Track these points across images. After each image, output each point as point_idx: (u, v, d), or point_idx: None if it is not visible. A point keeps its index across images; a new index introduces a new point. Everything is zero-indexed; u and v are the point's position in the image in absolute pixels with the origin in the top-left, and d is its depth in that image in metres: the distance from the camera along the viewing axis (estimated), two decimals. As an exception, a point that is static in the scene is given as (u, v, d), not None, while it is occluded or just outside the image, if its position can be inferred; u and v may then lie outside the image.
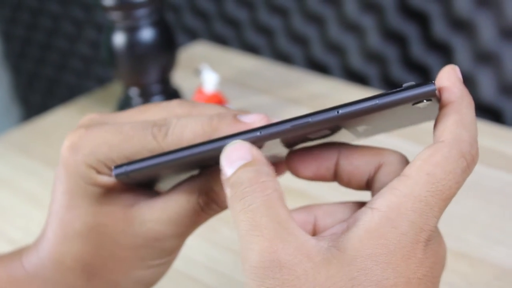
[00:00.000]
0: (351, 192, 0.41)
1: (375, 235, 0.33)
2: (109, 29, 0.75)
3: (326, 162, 0.40)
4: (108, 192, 0.40)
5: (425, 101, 0.34)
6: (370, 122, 0.37)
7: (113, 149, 0.39)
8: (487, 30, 0.87)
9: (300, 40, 1.09)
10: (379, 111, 0.34)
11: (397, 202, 0.33)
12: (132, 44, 0.74)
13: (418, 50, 0.95)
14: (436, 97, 0.34)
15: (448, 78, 0.36)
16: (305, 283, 0.32)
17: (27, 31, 1.63)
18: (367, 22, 1.00)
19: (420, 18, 0.94)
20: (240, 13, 1.16)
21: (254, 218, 0.33)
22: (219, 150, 0.36)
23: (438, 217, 0.34)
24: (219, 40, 1.19)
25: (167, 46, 0.76)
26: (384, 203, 0.33)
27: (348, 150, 0.39)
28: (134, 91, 0.77)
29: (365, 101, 0.34)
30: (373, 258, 0.32)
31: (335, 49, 1.05)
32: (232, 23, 1.17)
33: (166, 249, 0.41)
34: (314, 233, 0.39)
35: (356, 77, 1.03)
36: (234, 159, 0.35)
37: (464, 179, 0.34)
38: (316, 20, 1.06)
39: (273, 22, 1.11)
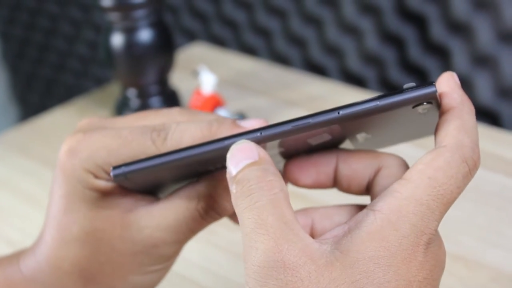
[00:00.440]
0: (349, 195, 0.41)
1: (376, 238, 0.33)
2: (107, 30, 0.75)
3: (325, 168, 0.40)
4: (106, 197, 0.40)
5: (425, 103, 0.34)
6: (370, 128, 0.37)
7: (112, 153, 0.39)
8: (484, 33, 0.88)
9: (298, 42, 1.09)
10: (380, 113, 0.34)
11: (398, 205, 0.33)
12: (130, 45, 0.74)
13: (415, 53, 0.95)
14: (436, 101, 0.34)
15: (448, 84, 0.36)
16: (308, 285, 0.32)
17: (25, 31, 1.63)
18: (365, 24, 1.00)
19: (418, 21, 0.94)
20: (238, 15, 1.16)
21: (260, 216, 0.33)
22: (218, 151, 0.36)
23: (438, 221, 0.34)
24: (217, 41, 1.19)
25: (165, 47, 0.76)
26: (385, 206, 0.33)
27: (346, 155, 0.39)
28: (132, 92, 0.77)
29: (366, 102, 0.34)
30: (375, 261, 0.32)
31: (333, 51, 1.05)
32: (230, 24, 1.18)
33: (163, 255, 0.41)
34: (312, 236, 0.39)
35: (354, 79, 1.04)
36: (240, 158, 0.35)
37: (465, 184, 0.34)
38: (314, 22, 1.06)
39: (271, 23, 1.12)
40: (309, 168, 0.40)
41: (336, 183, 0.40)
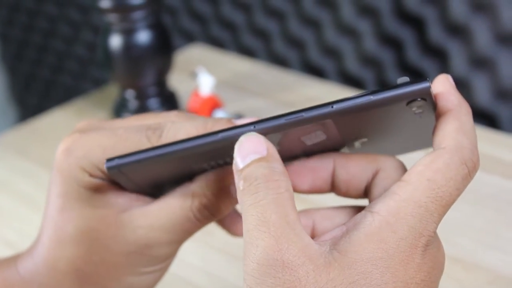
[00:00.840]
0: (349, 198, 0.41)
1: (375, 239, 0.33)
2: (106, 31, 0.75)
3: (322, 173, 0.39)
4: (101, 196, 0.40)
5: (419, 99, 0.34)
6: (367, 133, 0.37)
7: (107, 151, 0.39)
8: (482, 35, 0.88)
9: (296, 43, 1.09)
10: (374, 108, 0.34)
11: (396, 206, 0.33)
12: (129, 46, 0.74)
13: (413, 55, 0.96)
14: (430, 98, 0.34)
15: (444, 86, 0.36)
16: (306, 285, 0.32)
17: (23, 33, 1.63)
18: (363, 26, 1.00)
19: (416, 23, 0.94)
20: (236, 16, 1.16)
21: (263, 214, 0.33)
22: (213, 145, 0.36)
23: (437, 223, 0.34)
24: (216, 43, 1.19)
25: (164, 48, 0.76)
26: (384, 207, 0.33)
27: (343, 159, 0.39)
28: (130, 94, 0.78)
29: (359, 97, 0.34)
30: (372, 262, 0.32)
31: (331, 53, 1.05)
32: (229, 26, 1.18)
33: (158, 256, 0.41)
34: (312, 237, 0.39)
35: (352, 81, 1.04)
36: (248, 151, 0.35)
37: (464, 186, 0.34)
38: (312, 23, 1.06)
39: (270, 25, 1.12)
40: (306, 174, 0.40)
41: (333, 188, 0.40)
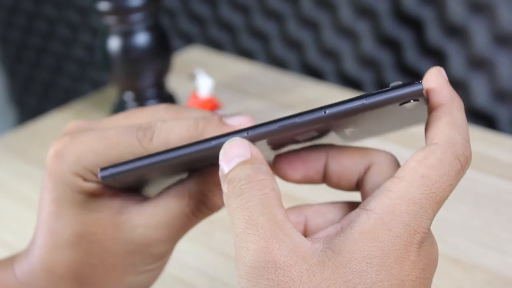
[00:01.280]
0: (340, 193, 0.41)
1: (369, 237, 0.33)
2: (104, 33, 0.75)
3: (314, 164, 0.39)
4: (96, 199, 0.40)
5: (412, 101, 0.34)
6: (358, 124, 0.37)
7: (99, 156, 0.39)
8: (480, 36, 0.88)
9: (295, 45, 1.09)
10: (366, 111, 0.34)
11: (391, 204, 0.33)
12: (127, 48, 0.74)
13: (412, 56, 0.96)
14: (423, 97, 0.34)
15: (436, 80, 0.36)
16: (300, 285, 0.31)
17: (22, 35, 1.63)
18: (362, 27, 1.00)
19: (414, 24, 0.94)
20: (235, 18, 1.16)
21: (251, 217, 0.33)
22: (206, 152, 0.36)
23: (431, 219, 0.34)
24: (214, 44, 1.20)
25: (162, 50, 0.76)
26: (378, 205, 0.33)
27: (336, 151, 0.39)
28: (129, 95, 0.78)
29: (352, 101, 0.34)
30: (367, 261, 0.32)
31: (330, 54, 1.05)
32: (227, 27, 1.18)
33: (157, 254, 0.41)
34: (305, 233, 0.39)
35: (350, 82, 1.04)
36: (232, 156, 0.35)
37: (457, 181, 0.34)
38: (311, 25, 1.06)
39: (268, 27, 1.12)
40: (298, 164, 0.40)
41: (325, 179, 0.40)
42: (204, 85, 0.80)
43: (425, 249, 0.34)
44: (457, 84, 0.89)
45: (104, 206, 0.40)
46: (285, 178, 0.40)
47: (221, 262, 0.61)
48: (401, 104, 0.34)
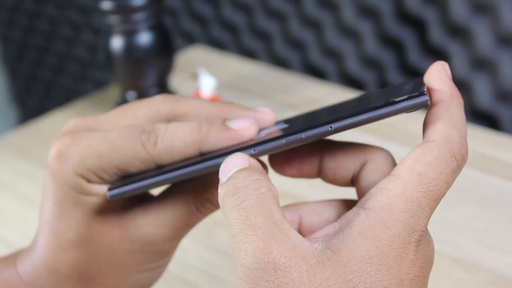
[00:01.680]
0: (336, 190, 0.41)
1: (368, 237, 0.32)
2: (107, 33, 0.75)
3: (310, 159, 0.39)
4: (100, 200, 0.40)
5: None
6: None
7: (103, 158, 0.39)
8: (483, 37, 0.88)
9: (297, 45, 1.09)
10: (372, 122, 0.35)
11: (389, 202, 0.33)
12: (130, 48, 0.74)
13: (414, 56, 0.96)
14: (427, 105, 0.35)
15: (439, 76, 0.36)
16: (300, 286, 0.31)
17: (24, 34, 1.63)
18: (364, 27, 1.00)
19: (416, 24, 0.94)
20: (237, 18, 1.16)
21: (247, 217, 0.32)
22: (214, 168, 0.37)
23: (428, 217, 0.33)
24: (217, 44, 1.20)
25: (165, 50, 0.76)
26: (376, 204, 0.33)
27: (332, 147, 0.39)
28: (131, 95, 0.78)
29: (358, 114, 0.35)
30: (367, 260, 0.32)
31: (332, 54, 1.05)
32: (230, 27, 1.18)
33: (161, 252, 0.41)
34: (300, 232, 0.39)
35: (352, 82, 1.04)
36: (231, 167, 0.35)
37: (454, 179, 0.34)
38: (313, 25, 1.06)
39: (271, 27, 1.12)
40: (294, 158, 0.39)
41: (320, 174, 0.40)
42: (207, 85, 0.80)
43: (422, 247, 0.34)
44: (459, 84, 0.89)
45: (109, 206, 0.40)
46: (280, 172, 0.40)
47: (222, 261, 0.61)
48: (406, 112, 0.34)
